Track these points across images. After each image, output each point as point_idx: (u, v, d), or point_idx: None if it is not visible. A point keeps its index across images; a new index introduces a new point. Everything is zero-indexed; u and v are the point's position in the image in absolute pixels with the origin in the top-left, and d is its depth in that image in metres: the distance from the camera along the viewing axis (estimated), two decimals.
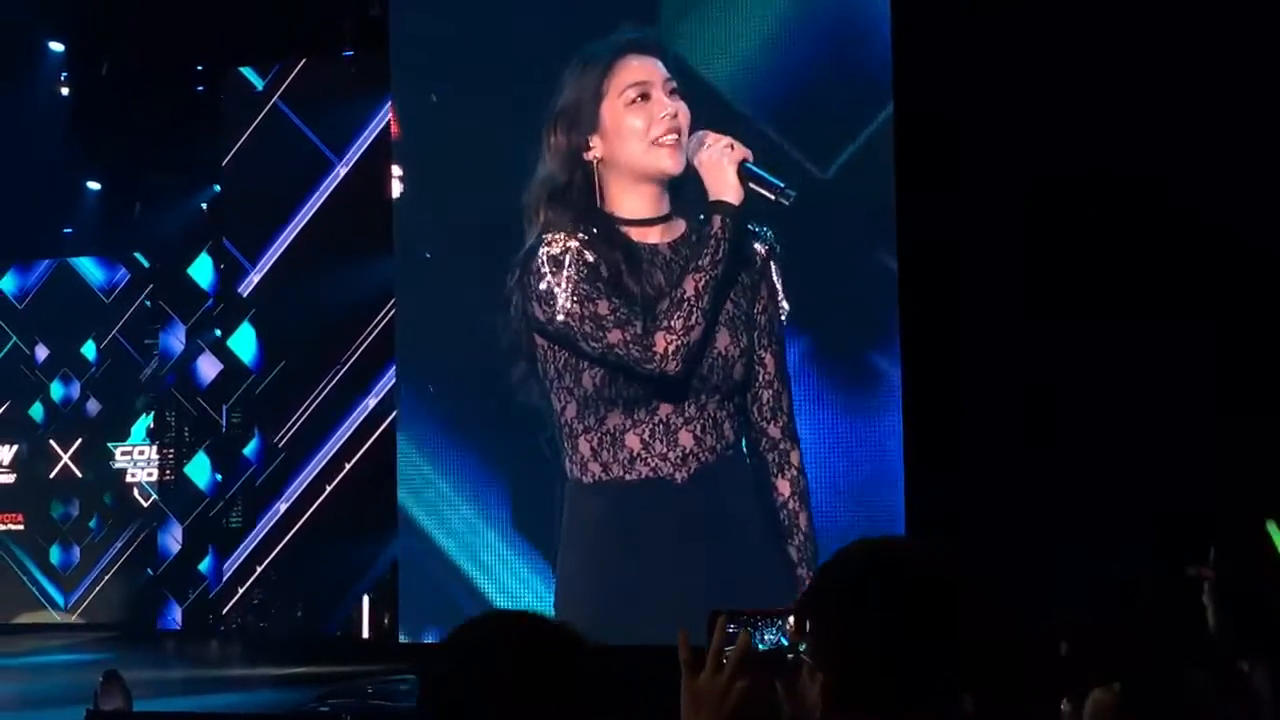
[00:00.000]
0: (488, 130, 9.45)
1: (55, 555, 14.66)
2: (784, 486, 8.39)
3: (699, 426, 8.37)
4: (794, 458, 8.41)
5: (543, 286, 8.38)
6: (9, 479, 14.95)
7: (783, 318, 8.49)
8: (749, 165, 8.03)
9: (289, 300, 12.06)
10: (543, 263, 8.39)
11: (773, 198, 7.93)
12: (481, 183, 9.57)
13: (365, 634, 12.03)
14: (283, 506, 12.09)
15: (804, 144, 9.16)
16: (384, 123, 11.60)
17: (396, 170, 10.10)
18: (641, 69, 8.47)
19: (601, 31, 8.78)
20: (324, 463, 11.96)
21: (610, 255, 8.36)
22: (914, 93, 9.05)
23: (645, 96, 8.39)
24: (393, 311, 10.79)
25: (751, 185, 8.01)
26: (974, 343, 9.04)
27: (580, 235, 8.38)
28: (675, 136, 8.40)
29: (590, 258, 8.35)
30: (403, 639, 10.15)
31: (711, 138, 8.16)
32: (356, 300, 11.61)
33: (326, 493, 11.95)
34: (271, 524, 12.13)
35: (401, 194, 10.07)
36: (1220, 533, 3.79)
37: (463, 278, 9.47)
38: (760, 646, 2.59)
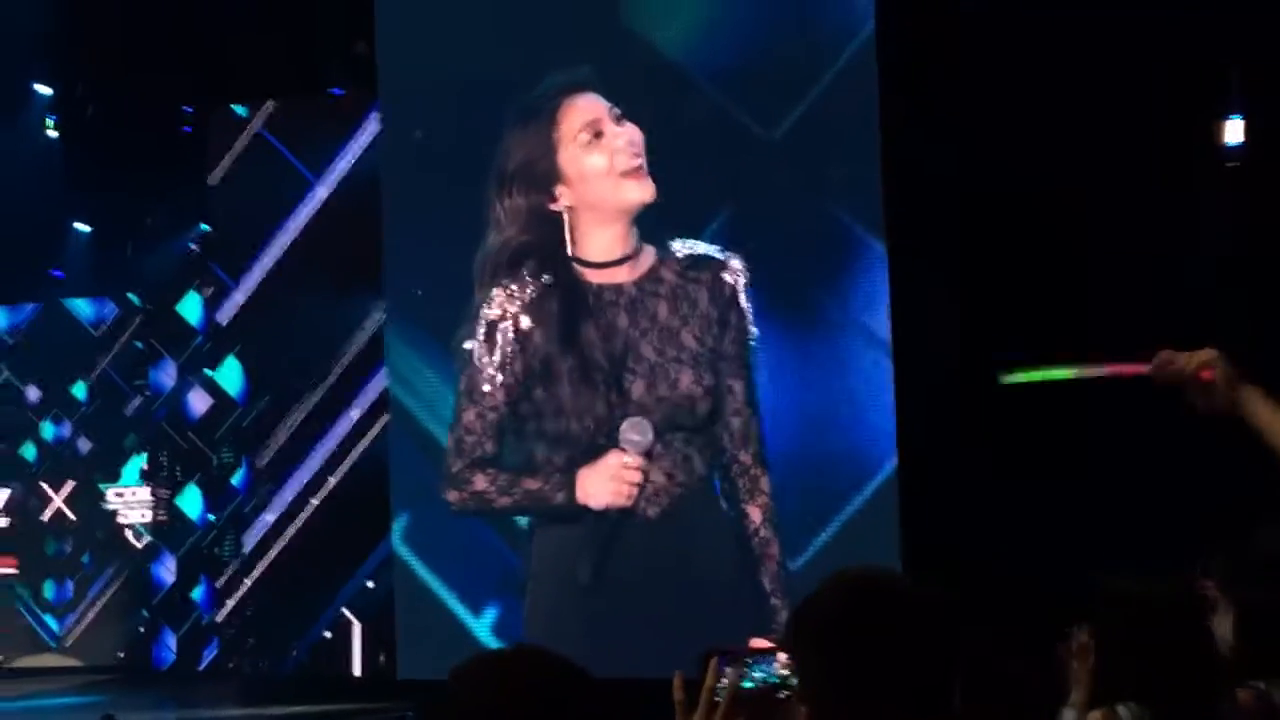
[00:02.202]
0: (473, 166, 9.48)
1: (49, 590, 14.63)
2: (755, 514, 8.45)
3: (668, 462, 8.44)
4: (764, 483, 8.47)
5: (468, 346, 8.55)
6: (3, 523, 14.92)
7: (751, 343, 8.52)
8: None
9: (273, 326, 12.11)
10: (480, 324, 8.50)
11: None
12: (466, 216, 9.61)
13: (358, 671, 12.00)
14: (270, 518, 12.09)
15: (752, 107, 9.12)
16: (364, 148, 11.64)
17: (384, 207, 10.16)
18: (586, 108, 8.54)
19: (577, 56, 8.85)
20: (309, 476, 11.96)
21: (558, 308, 8.43)
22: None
23: (599, 134, 8.46)
24: (371, 331, 10.90)
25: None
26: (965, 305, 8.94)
27: (530, 288, 8.44)
28: (638, 161, 8.48)
29: (526, 323, 8.43)
30: (401, 675, 10.16)
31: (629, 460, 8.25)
32: (338, 319, 11.71)
33: (313, 506, 11.97)
34: (259, 537, 12.13)
35: (388, 227, 10.12)
36: (1224, 547, 3.78)
37: (453, 317, 9.49)
38: (750, 684, 2.59)
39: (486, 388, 8.51)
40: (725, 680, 2.50)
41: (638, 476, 8.27)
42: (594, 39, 9.27)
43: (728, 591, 8.49)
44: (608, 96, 8.63)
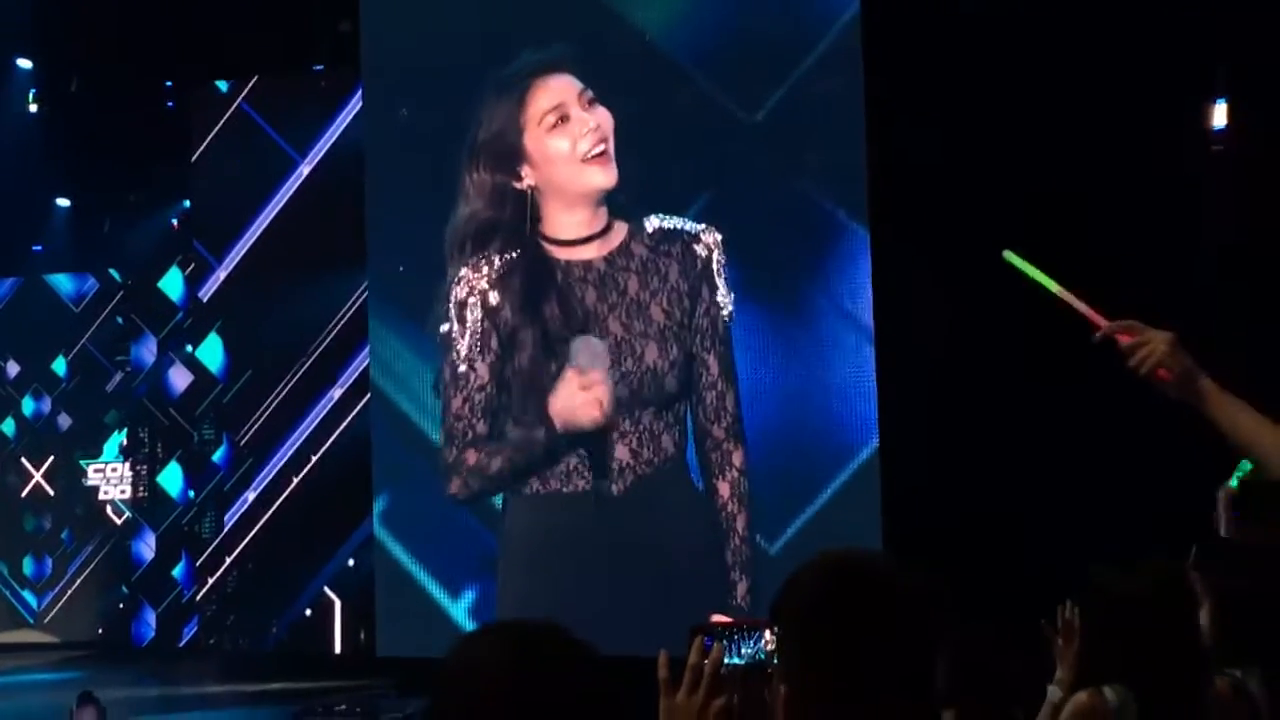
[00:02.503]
0: (457, 144, 9.47)
1: (28, 567, 14.61)
2: (724, 489, 8.46)
3: (634, 440, 8.45)
4: (736, 459, 8.48)
5: (444, 329, 8.55)
6: None
7: (726, 318, 8.52)
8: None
9: (254, 302, 12.06)
10: (450, 305, 8.53)
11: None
12: (450, 191, 9.60)
13: (338, 649, 12.01)
14: (250, 496, 12.07)
15: (734, 89, 9.12)
16: (346, 123, 11.61)
17: (366, 183, 10.15)
18: (554, 91, 8.55)
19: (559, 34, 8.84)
20: (291, 452, 11.96)
21: (524, 285, 8.46)
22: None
23: (564, 119, 8.48)
24: (355, 306, 10.88)
25: None
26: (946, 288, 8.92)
27: (496, 262, 8.47)
28: (602, 148, 8.50)
29: (495, 299, 8.46)
30: (380, 654, 10.17)
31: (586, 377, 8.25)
32: (319, 302, 11.65)
33: (294, 483, 11.95)
34: (239, 514, 12.11)
35: (371, 206, 10.11)
36: (1207, 535, 3.79)
37: (434, 292, 9.49)
38: (738, 660, 2.59)
39: (463, 368, 8.53)
40: (709, 658, 2.49)
41: (601, 390, 8.23)
42: (575, 18, 9.25)
43: (690, 567, 8.53)
44: (584, 77, 8.64)
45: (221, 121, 12.33)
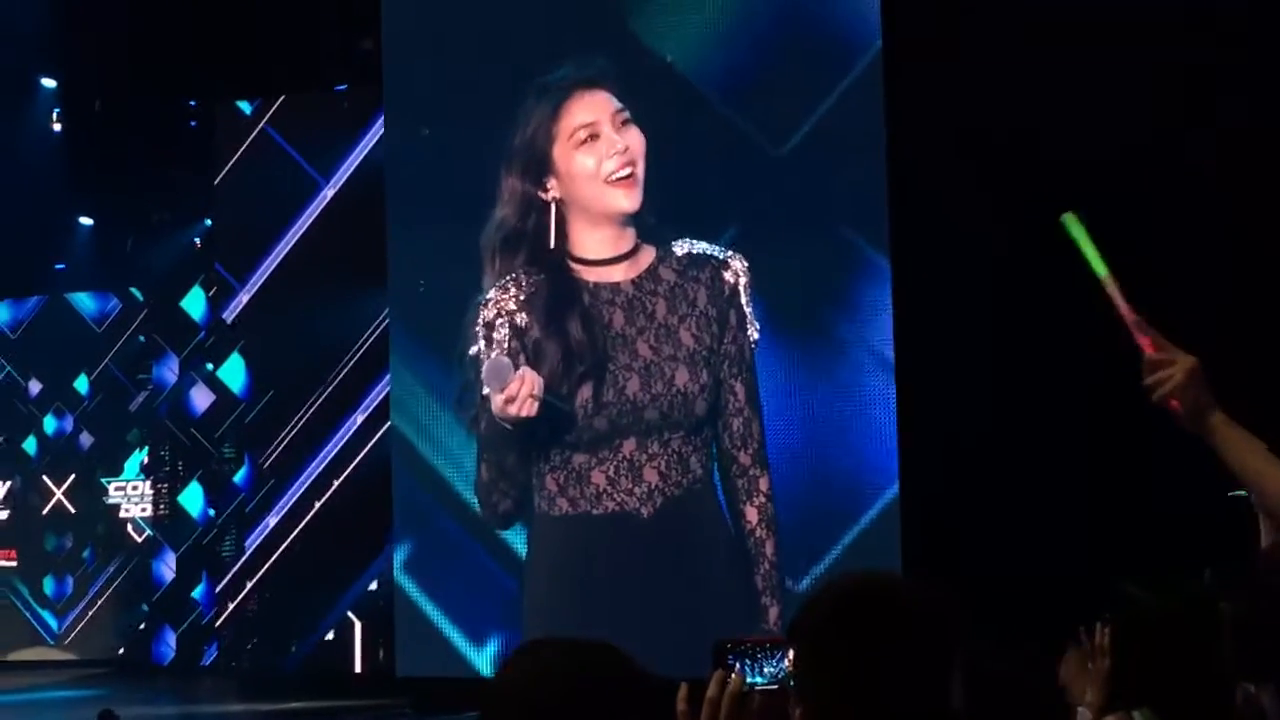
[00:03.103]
0: (478, 162, 9.48)
1: (49, 586, 14.63)
2: (752, 514, 8.42)
3: (663, 463, 8.41)
4: (763, 484, 8.43)
5: (473, 351, 8.52)
6: (3, 515, 14.92)
7: (753, 344, 8.50)
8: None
9: (278, 325, 12.04)
10: (478, 325, 8.51)
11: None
12: (471, 213, 9.60)
13: (359, 668, 12.00)
14: (272, 521, 12.04)
15: (761, 123, 9.12)
16: (370, 146, 11.60)
17: (388, 202, 10.15)
18: (589, 107, 8.51)
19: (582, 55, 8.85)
20: (313, 478, 11.92)
21: (548, 304, 8.43)
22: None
23: (595, 136, 8.45)
24: (379, 330, 10.84)
25: None
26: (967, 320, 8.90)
27: (523, 282, 8.45)
28: (629, 170, 8.45)
29: (522, 320, 8.43)
30: (399, 673, 10.15)
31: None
32: (344, 322, 11.61)
33: (316, 509, 11.91)
34: (261, 539, 12.08)
35: (393, 224, 10.11)
36: (1221, 552, 3.77)
37: (455, 308, 9.48)
38: (760, 679, 2.57)
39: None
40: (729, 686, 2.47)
41: (519, 396, 8.10)
42: (601, 42, 9.24)
43: (720, 591, 8.49)
44: (621, 96, 8.62)
45: (245, 144, 12.31)
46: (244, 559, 12.21)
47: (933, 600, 2.31)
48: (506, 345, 8.41)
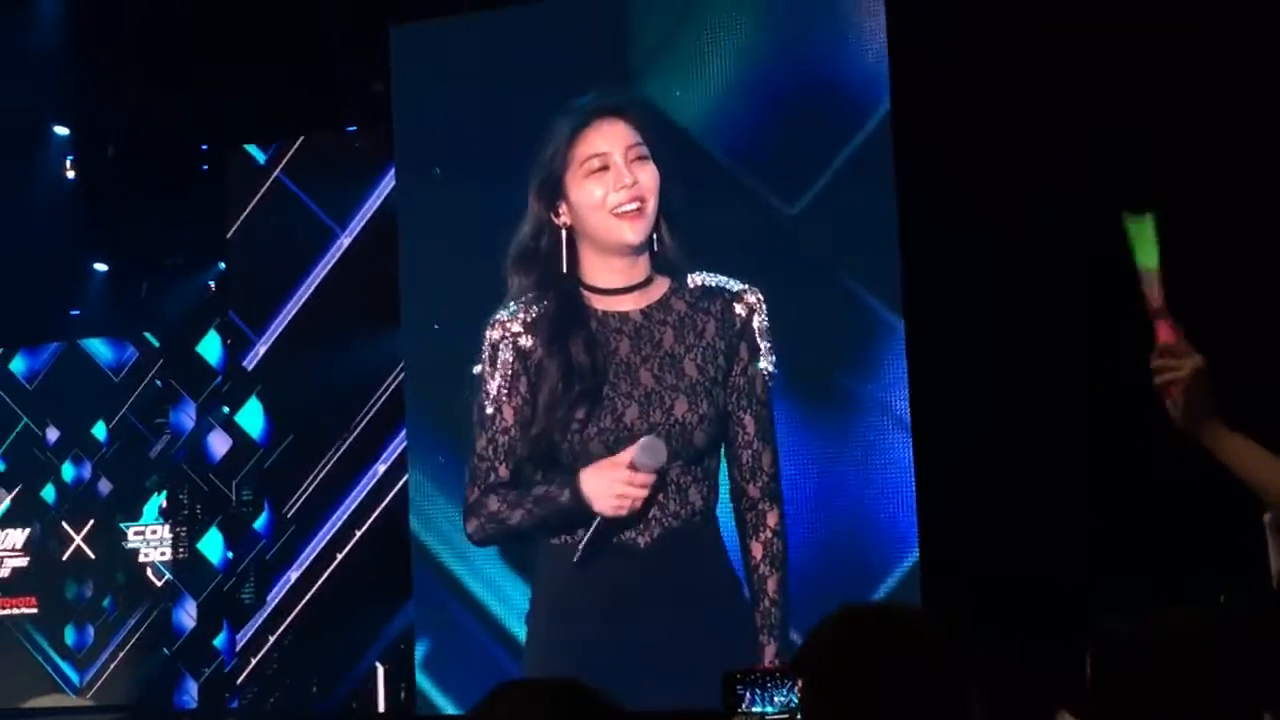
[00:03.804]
0: (492, 202, 9.50)
1: (70, 636, 14.59)
2: (757, 549, 8.38)
3: (661, 493, 8.38)
4: (771, 519, 8.38)
5: (475, 370, 8.54)
6: (22, 562, 14.91)
7: (767, 377, 8.47)
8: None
9: (295, 373, 11.98)
10: (484, 347, 8.52)
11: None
12: (487, 253, 9.61)
13: (381, 708, 11.96)
14: (294, 575, 11.97)
15: (773, 181, 9.09)
16: (386, 193, 11.58)
17: (401, 244, 10.16)
18: (604, 137, 8.52)
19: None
20: (334, 531, 11.84)
21: (555, 329, 8.43)
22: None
23: (605, 168, 8.45)
24: (399, 379, 10.79)
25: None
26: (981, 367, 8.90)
27: (532, 309, 8.45)
28: (636, 205, 8.45)
29: (527, 343, 8.43)
30: (419, 711, 10.12)
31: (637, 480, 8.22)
32: (362, 371, 11.53)
33: (337, 561, 11.83)
34: (283, 593, 12.00)
35: (407, 267, 10.12)
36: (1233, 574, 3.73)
37: (471, 347, 9.49)
38: (770, 709, 2.56)
39: (490, 409, 8.51)
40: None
41: (642, 493, 8.21)
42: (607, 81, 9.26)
43: (715, 625, 8.46)
44: (643, 127, 8.63)
45: (259, 195, 12.27)
46: (265, 614, 12.12)
47: (942, 632, 2.29)
48: (510, 368, 8.42)
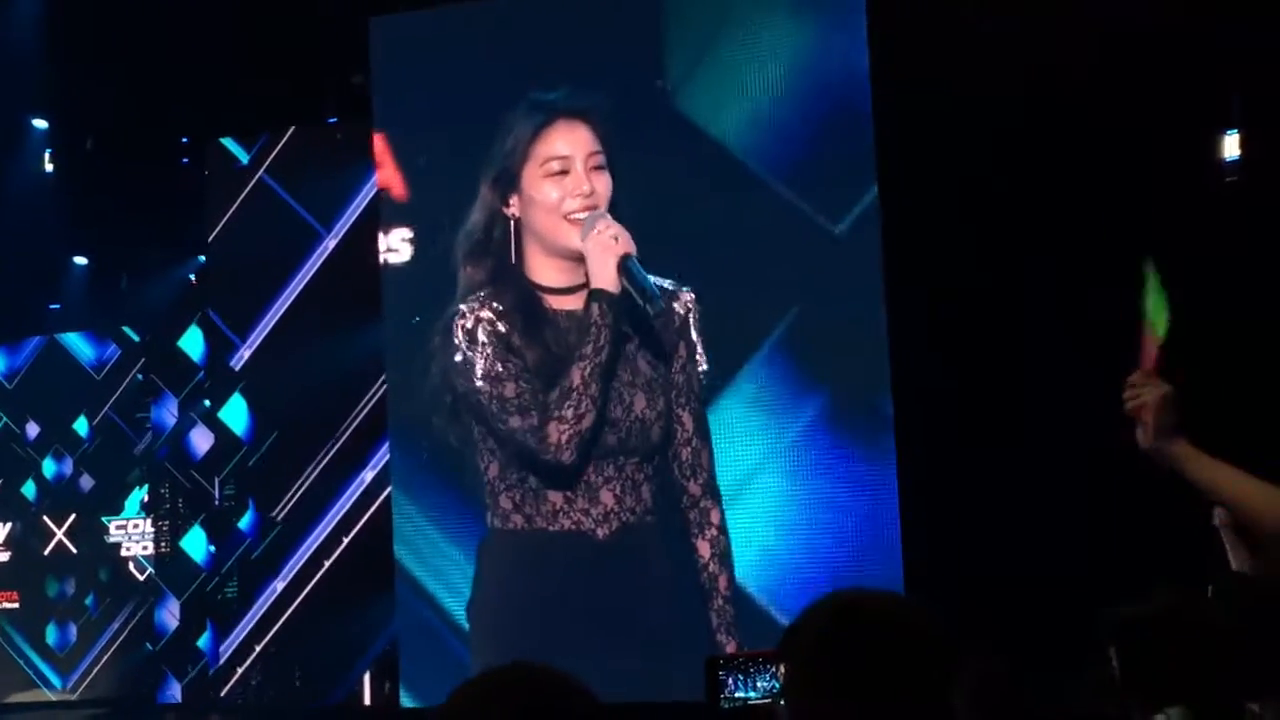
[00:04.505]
0: (474, 190, 9.45)
1: (51, 635, 14.52)
2: (704, 548, 8.43)
3: (618, 486, 8.42)
4: (714, 516, 8.44)
5: (458, 359, 8.49)
6: (3, 557, 14.85)
7: (701, 376, 8.50)
8: (629, 262, 8.08)
9: (280, 371, 11.82)
10: (458, 335, 8.48)
11: (640, 301, 8.01)
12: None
13: (367, 702, 11.90)
14: (280, 585, 11.78)
15: (814, 199, 9.06)
16: (372, 193, 11.42)
17: (385, 236, 10.10)
18: (566, 140, 8.52)
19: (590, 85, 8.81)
20: (321, 538, 11.67)
21: (522, 321, 8.41)
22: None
23: (565, 171, 8.45)
24: (385, 387, 10.68)
25: (624, 281, 8.06)
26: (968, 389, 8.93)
27: (494, 303, 8.43)
28: (585, 216, 8.44)
29: (502, 328, 8.41)
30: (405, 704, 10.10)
31: (602, 224, 8.21)
32: (349, 371, 11.31)
33: (325, 568, 11.67)
34: (269, 603, 11.84)
35: (390, 258, 10.07)
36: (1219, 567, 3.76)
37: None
38: (753, 695, 2.54)
39: (498, 369, 8.42)
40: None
41: (612, 230, 8.17)
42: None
43: (673, 623, 8.48)
44: (606, 135, 8.59)
45: (240, 191, 12.05)
46: (251, 624, 11.94)
47: (926, 617, 2.28)
48: (490, 345, 8.39)
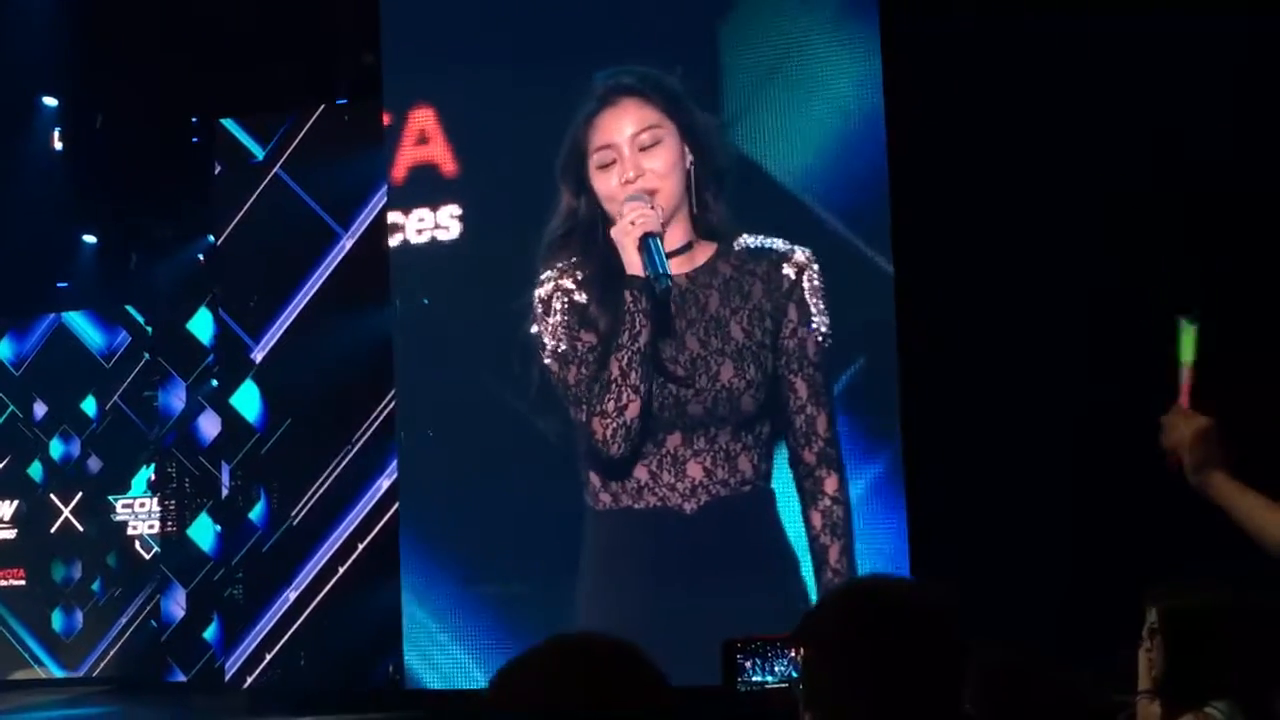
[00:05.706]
0: (488, 174, 9.44)
1: (57, 621, 14.47)
2: (816, 518, 8.27)
3: (709, 459, 8.33)
4: (829, 485, 8.23)
5: (534, 330, 8.49)
6: (10, 534, 14.84)
7: (819, 339, 8.32)
8: (647, 240, 8.02)
9: (295, 361, 11.48)
10: (536, 305, 8.49)
11: (647, 275, 7.98)
12: (481, 227, 9.55)
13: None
14: (292, 595, 11.46)
15: (869, 235, 8.71)
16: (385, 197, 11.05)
17: (393, 217, 10.06)
18: (612, 125, 8.48)
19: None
20: (336, 546, 11.35)
21: (599, 293, 8.38)
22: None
23: (614, 160, 8.42)
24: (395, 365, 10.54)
25: (643, 260, 8.03)
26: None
27: (577, 273, 8.44)
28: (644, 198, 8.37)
29: (581, 298, 8.40)
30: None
31: (628, 208, 8.16)
32: (363, 362, 10.93)
33: (339, 574, 11.37)
34: (281, 612, 11.51)
35: (399, 242, 10.03)
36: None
37: (461, 323, 9.44)
38: (770, 679, 2.53)
39: (563, 348, 8.42)
40: None
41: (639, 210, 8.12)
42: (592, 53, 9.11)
43: (765, 594, 8.33)
44: (658, 105, 8.50)
45: (255, 194, 11.75)
46: (264, 633, 11.65)
47: (941, 603, 2.28)
48: (564, 319, 8.38)
